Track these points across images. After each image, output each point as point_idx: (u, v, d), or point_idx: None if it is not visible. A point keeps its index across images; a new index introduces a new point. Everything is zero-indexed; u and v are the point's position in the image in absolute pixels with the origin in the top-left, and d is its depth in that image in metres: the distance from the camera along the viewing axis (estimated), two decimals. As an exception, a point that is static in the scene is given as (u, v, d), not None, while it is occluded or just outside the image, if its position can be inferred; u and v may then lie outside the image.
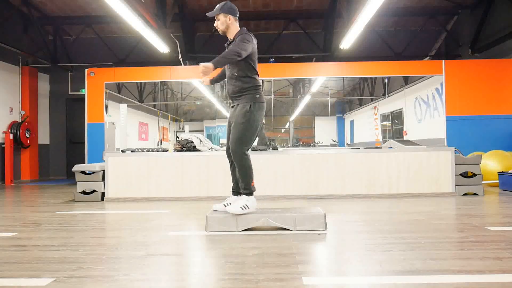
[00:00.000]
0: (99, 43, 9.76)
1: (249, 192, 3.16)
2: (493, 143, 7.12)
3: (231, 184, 3.37)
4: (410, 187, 5.12)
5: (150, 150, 5.46)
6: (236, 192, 3.31)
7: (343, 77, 8.32)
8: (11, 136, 8.61)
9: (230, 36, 3.25)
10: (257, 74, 3.27)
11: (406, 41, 9.49)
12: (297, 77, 8.25)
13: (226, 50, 3.21)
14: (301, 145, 8.95)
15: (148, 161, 5.18)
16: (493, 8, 8.05)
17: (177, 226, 3.39)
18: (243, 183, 3.16)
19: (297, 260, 2.26)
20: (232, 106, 3.30)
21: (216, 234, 2.96)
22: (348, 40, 7.35)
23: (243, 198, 3.15)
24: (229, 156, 3.29)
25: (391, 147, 5.52)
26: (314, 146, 8.75)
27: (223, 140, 8.24)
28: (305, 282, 1.88)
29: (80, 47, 9.95)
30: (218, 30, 3.26)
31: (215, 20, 3.29)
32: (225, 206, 3.25)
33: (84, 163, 7.61)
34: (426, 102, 7.88)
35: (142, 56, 9.72)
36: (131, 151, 5.42)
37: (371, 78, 8.47)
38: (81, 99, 8.38)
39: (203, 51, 9.64)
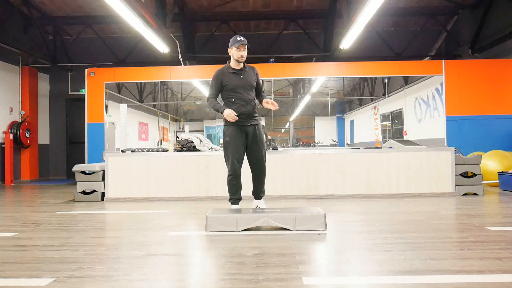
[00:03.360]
0: (99, 43, 9.76)
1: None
2: (493, 143, 7.12)
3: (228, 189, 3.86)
4: (410, 187, 5.12)
5: (150, 150, 5.46)
6: (258, 197, 3.89)
7: (343, 77, 8.32)
8: (11, 136, 8.61)
9: (241, 65, 3.75)
10: None
11: (406, 41, 9.49)
12: (297, 77, 8.25)
13: (261, 88, 3.91)
14: (301, 145, 8.94)
15: (148, 161, 5.18)
16: (493, 8, 8.05)
17: (177, 226, 3.39)
18: (263, 187, 3.87)
19: (297, 260, 2.26)
20: (245, 125, 3.69)
21: (216, 234, 2.96)
22: (348, 40, 7.35)
23: (262, 201, 3.89)
24: (238, 173, 3.71)
25: (391, 147, 5.52)
26: (314, 146, 8.74)
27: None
28: (305, 282, 1.88)
29: (80, 47, 9.95)
30: (242, 58, 3.68)
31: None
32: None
33: (84, 163, 7.61)
34: (426, 102, 7.88)
35: (142, 56, 9.72)
36: (131, 151, 5.42)
37: (371, 78, 8.47)
38: (81, 99, 8.38)
39: (203, 51, 9.64)
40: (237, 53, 3.65)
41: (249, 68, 3.80)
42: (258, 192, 3.86)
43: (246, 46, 3.69)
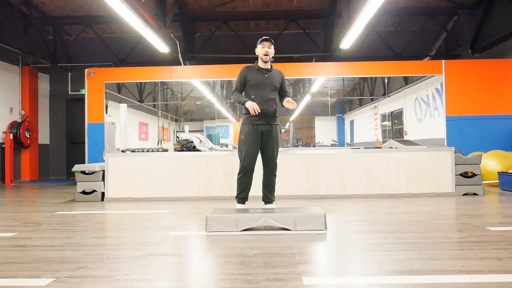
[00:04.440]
0: (99, 43, 9.76)
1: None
2: (493, 143, 7.12)
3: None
4: (410, 187, 5.12)
5: (150, 150, 5.46)
6: (269, 201, 3.83)
7: (343, 77, 8.32)
8: (11, 136, 8.61)
9: (268, 66, 3.75)
10: None
11: (406, 41, 9.49)
12: (297, 77, 8.25)
13: (286, 93, 3.87)
14: (301, 145, 8.94)
15: (148, 161, 5.18)
16: (493, 8, 8.05)
17: (177, 226, 3.39)
18: (273, 191, 3.81)
19: (297, 260, 2.26)
20: (262, 124, 3.67)
21: (216, 234, 2.96)
22: (348, 40, 7.35)
23: (274, 206, 3.80)
24: (249, 172, 3.71)
25: (391, 147, 5.52)
26: (314, 146, 8.74)
27: (223, 140, 8.23)
28: (305, 282, 1.88)
29: (80, 47, 9.95)
30: (268, 57, 3.66)
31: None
32: None
33: (84, 163, 7.61)
34: (426, 102, 7.88)
35: (142, 56, 9.72)
36: (131, 151, 5.42)
37: (371, 78, 8.48)
38: (81, 99, 8.38)
39: (203, 51, 9.64)
40: (261, 49, 3.65)
41: (276, 71, 3.82)
42: (268, 195, 3.80)
43: (272, 44, 3.67)
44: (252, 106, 3.52)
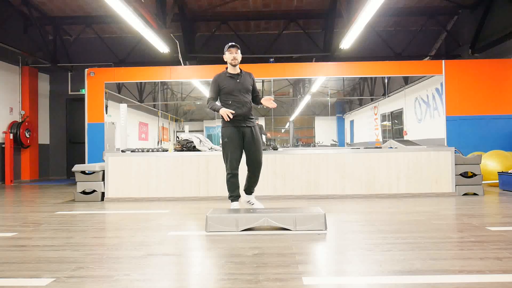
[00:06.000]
0: (99, 43, 9.76)
1: None
2: (493, 143, 7.12)
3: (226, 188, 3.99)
4: (410, 187, 5.12)
5: (150, 150, 5.46)
6: (249, 192, 4.00)
7: (343, 77, 8.32)
8: (11, 136, 8.61)
9: (238, 70, 3.89)
10: None
11: (406, 41, 9.49)
12: (297, 77, 8.25)
13: (257, 93, 4.01)
14: (301, 145, 8.94)
15: (148, 161, 5.18)
16: (493, 8, 8.05)
17: (177, 226, 3.39)
18: (256, 185, 3.98)
19: (297, 260, 2.26)
20: (242, 126, 3.81)
21: (216, 234, 2.97)
22: (348, 40, 7.35)
23: (253, 196, 4.01)
24: (236, 172, 3.82)
25: (391, 147, 5.52)
26: (314, 146, 8.74)
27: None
28: (305, 282, 1.88)
29: (80, 47, 9.95)
30: (236, 61, 3.83)
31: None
32: (251, 204, 3.98)
33: (84, 163, 7.61)
34: (426, 102, 7.88)
35: (142, 56, 9.72)
36: (131, 151, 5.42)
37: (371, 78, 8.47)
38: (81, 99, 8.38)
39: (203, 51, 9.64)
40: (229, 55, 3.83)
41: (246, 73, 3.97)
42: (250, 189, 3.99)
43: (239, 49, 3.84)
44: (226, 113, 3.65)
